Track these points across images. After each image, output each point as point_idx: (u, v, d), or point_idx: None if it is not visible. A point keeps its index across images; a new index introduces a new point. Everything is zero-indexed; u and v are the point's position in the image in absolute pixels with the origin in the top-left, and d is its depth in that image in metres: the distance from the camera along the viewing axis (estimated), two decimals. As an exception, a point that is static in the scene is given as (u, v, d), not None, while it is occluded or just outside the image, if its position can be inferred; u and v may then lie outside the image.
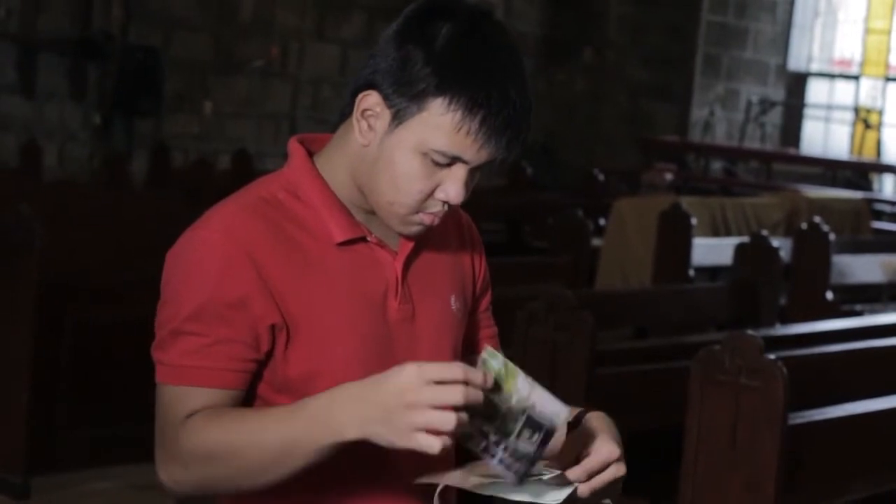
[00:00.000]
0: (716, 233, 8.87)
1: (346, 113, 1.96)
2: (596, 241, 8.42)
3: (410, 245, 1.98)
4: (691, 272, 7.84)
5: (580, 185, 11.01)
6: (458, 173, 1.89)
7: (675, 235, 7.91)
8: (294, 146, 2.00)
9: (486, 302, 2.16)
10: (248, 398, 1.91)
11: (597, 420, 1.97)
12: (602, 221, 8.88)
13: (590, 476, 1.88)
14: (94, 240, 6.11)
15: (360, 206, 1.96)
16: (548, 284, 5.96)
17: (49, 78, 10.60)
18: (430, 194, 1.90)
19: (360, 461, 1.86)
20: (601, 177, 11.02)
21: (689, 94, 14.51)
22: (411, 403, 1.68)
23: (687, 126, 14.48)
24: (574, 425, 1.97)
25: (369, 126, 1.90)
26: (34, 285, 5.21)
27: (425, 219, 1.92)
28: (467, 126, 1.84)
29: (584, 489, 1.87)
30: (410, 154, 1.87)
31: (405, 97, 1.86)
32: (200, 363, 1.85)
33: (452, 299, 2.04)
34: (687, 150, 14.13)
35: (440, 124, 1.85)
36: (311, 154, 2.00)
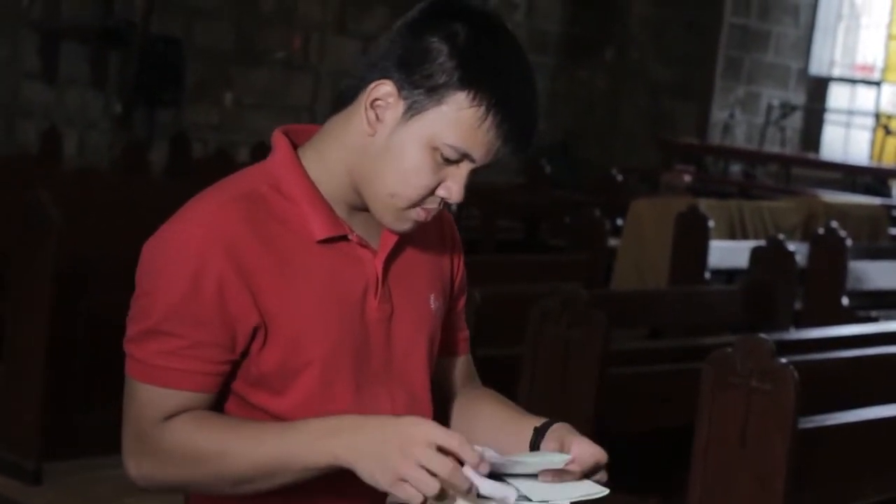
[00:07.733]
0: (733, 236, 8.86)
1: (345, 102, 1.93)
2: (613, 241, 8.41)
3: (391, 244, 1.96)
4: (707, 274, 7.83)
5: (598, 184, 10.98)
6: (463, 171, 1.87)
7: (691, 237, 7.89)
8: (278, 138, 1.98)
9: (461, 303, 2.14)
10: (221, 396, 1.91)
11: (569, 428, 1.93)
12: (619, 221, 8.87)
13: (583, 475, 1.85)
14: (112, 228, 6.11)
15: (344, 201, 1.93)
16: (564, 283, 5.96)
17: (70, 65, 10.63)
18: (433, 191, 1.88)
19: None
20: (619, 176, 11.00)
21: (709, 95, 14.49)
22: (408, 454, 1.69)
23: (706, 127, 14.46)
24: (541, 431, 1.94)
25: (377, 117, 1.87)
26: (51, 271, 5.22)
27: (420, 214, 1.89)
28: (488, 122, 1.83)
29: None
30: (421, 147, 1.85)
31: (422, 88, 1.83)
32: (176, 365, 1.85)
33: (432, 298, 2.02)
34: (706, 152, 14.10)
35: (459, 119, 1.83)
36: (295, 146, 1.97)
